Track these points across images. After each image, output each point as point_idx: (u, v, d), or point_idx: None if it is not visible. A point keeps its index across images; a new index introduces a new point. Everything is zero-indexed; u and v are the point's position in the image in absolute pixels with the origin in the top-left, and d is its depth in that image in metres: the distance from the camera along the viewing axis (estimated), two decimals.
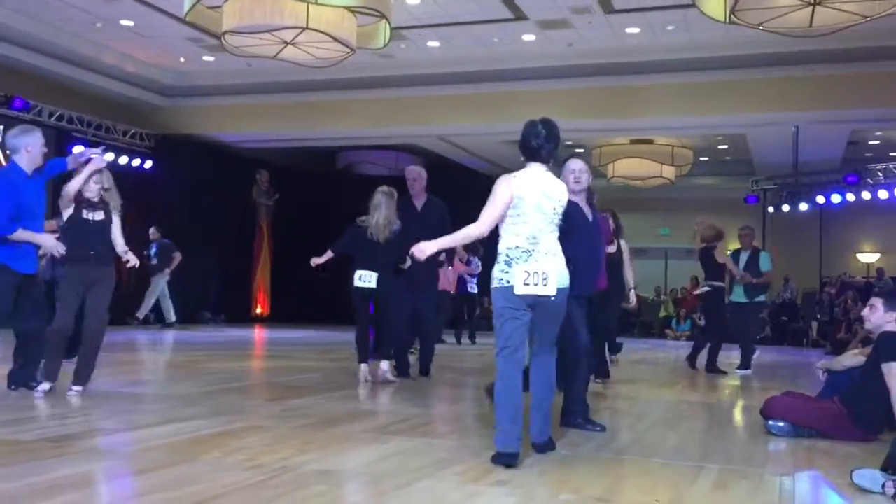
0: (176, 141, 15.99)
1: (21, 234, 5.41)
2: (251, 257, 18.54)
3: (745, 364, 9.51)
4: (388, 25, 9.67)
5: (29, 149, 5.52)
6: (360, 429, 4.75)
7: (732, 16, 8.40)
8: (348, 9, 8.97)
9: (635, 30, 12.34)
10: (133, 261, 5.82)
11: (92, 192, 5.74)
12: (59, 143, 14.09)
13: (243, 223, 18.02)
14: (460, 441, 4.50)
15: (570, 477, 3.79)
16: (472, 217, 4.15)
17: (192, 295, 16.83)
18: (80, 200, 5.73)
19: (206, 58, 14.34)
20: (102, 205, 5.81)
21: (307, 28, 8.80)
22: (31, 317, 5.66)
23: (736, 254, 9.70)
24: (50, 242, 5.57)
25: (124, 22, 12.57)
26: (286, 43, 9.66)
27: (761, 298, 9.79)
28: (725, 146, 18.15)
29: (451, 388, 7.13)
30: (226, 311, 17.37)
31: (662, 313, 18.98)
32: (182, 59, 14.59)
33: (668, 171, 17.55)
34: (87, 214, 5.74)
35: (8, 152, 5.66)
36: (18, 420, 4.74)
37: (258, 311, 18.66)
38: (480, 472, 3.72)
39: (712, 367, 9.29)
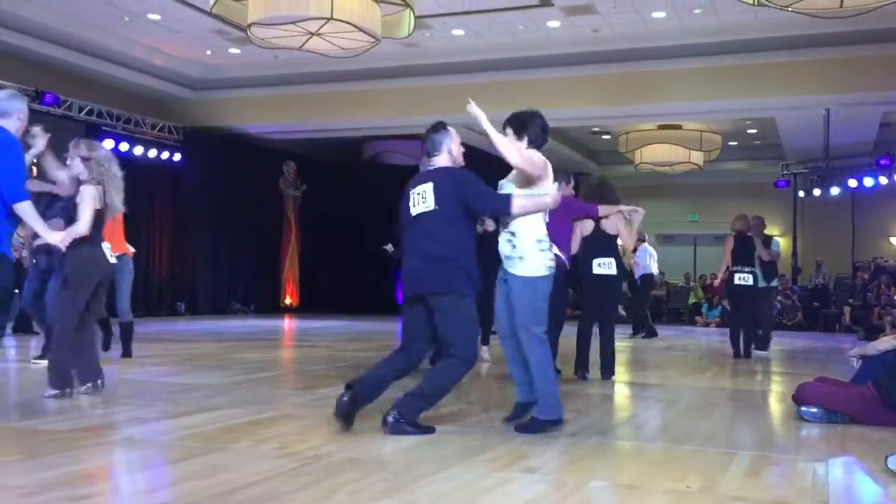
0: (203, 133, 16.11)
1: (27, 210, 4.65)
2: (279, 248, 18.67)
3: (764, 345, 9.81)
4: (412, 14, 9.66)
5: (21, 115, 4.86)
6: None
7: None
8: None
9: (661, 14, 12.21)
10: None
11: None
12: (88, 137, 14.24)
13: (271, 214, 18.13)
14: (491, 428, 4.51)
15: (600, 464, 3.79)
16: None
17: (222, 286, 17.00)
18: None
19: (232, 50, 14.41)
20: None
21: (332, 18, 8.81)
22: None
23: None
24: (57, 236, 4.93)
25: (151, 16, 12.67)
26: (311, 34, 9.68)
27: (774, 284, 10.15)
28: (755, 130, 17.93)
29: (482, 377, 7.13)
30: (255, 301, 17.52)
31: (692, 300, 18.83)
32: (209, 52, 14.68)
33: (697, 157, 17.38)
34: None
35: None
36: (55, 410, 4.82)
37: (287, 301, 18.79)
38: (510, 460, 3.73)
39: (736, 350, 9.52)
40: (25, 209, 4.61)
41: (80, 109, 13.95)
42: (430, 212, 4.31)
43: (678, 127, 16.89)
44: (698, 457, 3.97)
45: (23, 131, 4.96)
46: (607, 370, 6.85)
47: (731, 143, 18.68)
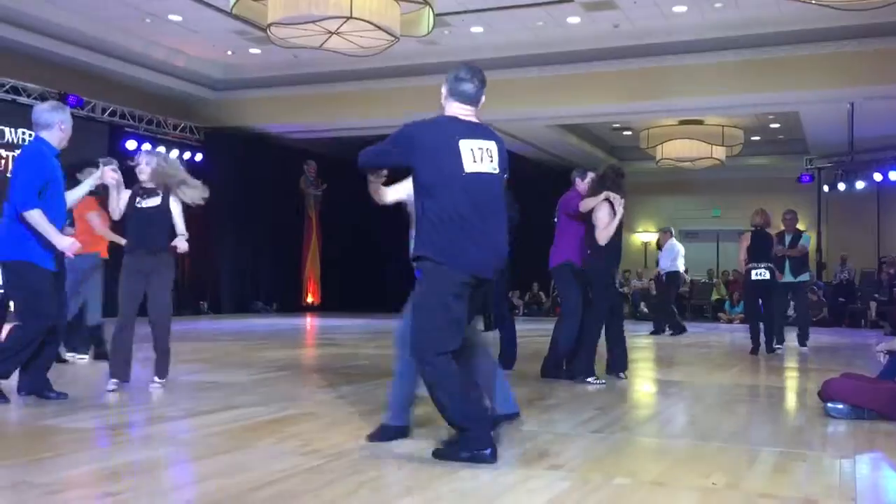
0: (225, 133, 16.21)
1: (36, 217, 4.73)
2: (300, 247, 18.74)
3: (801, 340, 9.88)
4: (431, 12, 9.66)
5: (63, 126, 4.97)
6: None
7: None
8: None
9: (682, 8, 12.12)
10: (181, 247, 5.67)
11: (144, 175, 5.64)
12: (111, 138, 14.40)
13: (292, 213, 18.21)
14: (513, 426, 4.49)
15: (625, 461, 3.77)
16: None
17: (244, 285, 17.10)
18: (136, 188, 5.72)
19: (252, 50, 14.48)
20: (159, 190, 5.66)
21: (351, 17, 8.82)
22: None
23: (780, 236, 10.02)
24: (65, 242, 4.89)
25: (173, 17, 12.75)
26: (331, 33, 9.70)
27: (805, 277, 10.13)
28: (777, 125, 17.76)
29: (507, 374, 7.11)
30: (277, 300, 17.60)
31: (715, 296, 18.69)
32: (229, 53, 14.76)
33: (719, 152, 17.23)
34: (141, 202, 5.64)
35: (35, 128, 5.00)
36: (81, 409, 4.86)
37: (309, 299, 18.86)
38: (533, 457, 3.71)
39: (756, 345, 9.50)
40: (34, 217, 4.75)
41: (104, 111, 14.09)
42: (495, 175, 3.65)
43: (700, 122, 16.77)
44: (723, 453, 3.93)
45: (66, 141, 5.06)
46: (620, 366, 6.75)
47: (753, 138, 18.51)
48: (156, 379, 5.73)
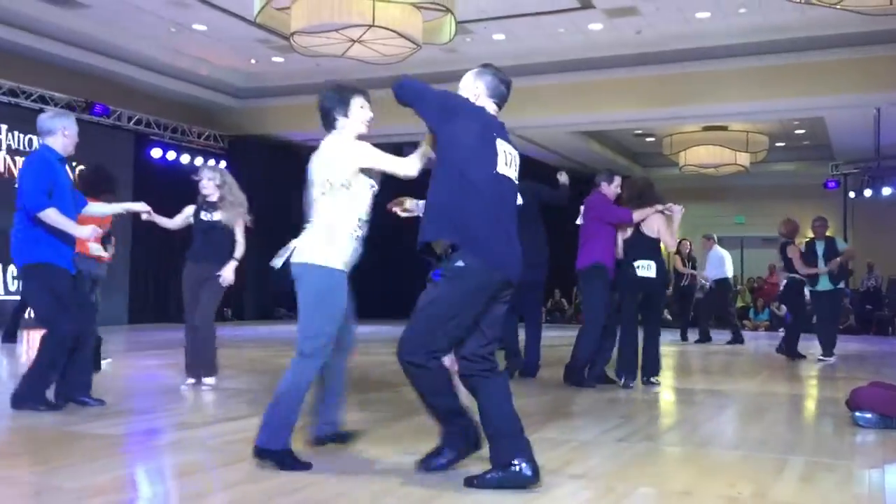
0: (248, 141, 16.33)
1: (52, 215, 4.75)
2: None
3: (828, 352, 9.48)
4: (453, 20, 9.68)
5: (66, 132, 4.97)
6: None
7: None
8: (414, 4, 9.01)
9: (706, 14, 12.06)
10: (226, 279, 6.11)
11: (207, 190, 6.11)
12: (137, 145, 14.56)
13: None
14: (537, 434, 4.47)
15: (649, 470, 3.75)
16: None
17: (267, 291, 17.18)
18: (200, 201, 6.14)
19: (275, 59, 14.58)
20: (220, 205, 6.13)
21: (374, 25, 8.86)
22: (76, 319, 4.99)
23: (811, 244, 9.74)
24: (85, 232, 4.91)
25: (197, 26, 12.88)
26: (353, 41, 9.75)
27: (841, 285, 9.80)
28: (803, 131, 17.60)
29: (529, 381, 7.09)
30: None
31: (739, 303, 18.53)
32: (253, 61, 14.87)
33: (743, 158, 17.11)
34: (204, 215, 6.12)
35: (40, 136, 5.02)
36: (107, 414, 4.90)
37: None
38: (557, 465, 3.70)
39: (793, 352, 9.55)
40: (50, 215, 4.75)
41: (129, 119, 14.25)
42: (514, 184, 3.52)
43: (724, 128, 16.65)
44: (749, 462, 3.90)
45: (72, 149, 5.06)
46: (650, 371, 6.76)
47: (778, 144, 18.36)
48: (205, 380, 6.11)
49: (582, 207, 6.88)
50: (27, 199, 4.77)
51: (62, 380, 5.06)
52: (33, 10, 11.74)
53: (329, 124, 3.85)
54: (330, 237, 3.67)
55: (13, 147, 12.67)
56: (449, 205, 3.34)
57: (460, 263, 3.28)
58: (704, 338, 12.38)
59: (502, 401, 3.32)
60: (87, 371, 5.21)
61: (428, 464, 3.50)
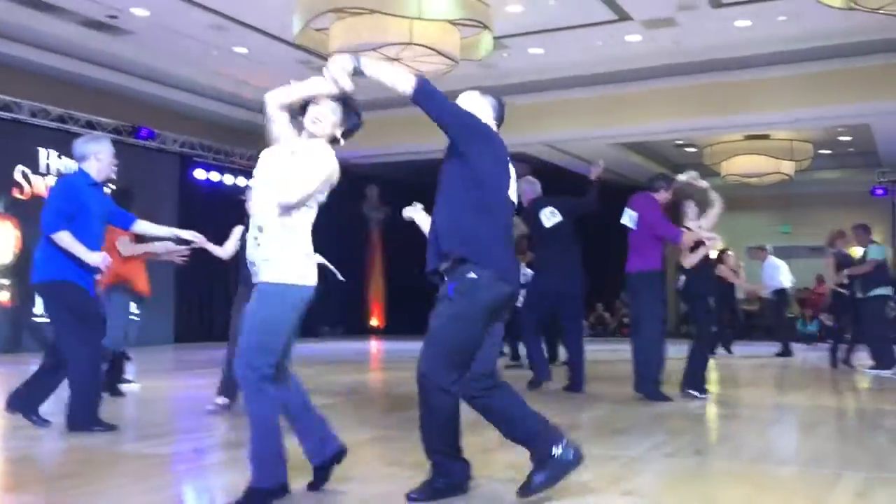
0: None
1: (65, 238, 4.80)
2: (364, 270, 18.90)
3: (880, 364, 9.14)
4: (489, 35, 9.70)
5: (99, 156, 5.03)
6: (480, 439, 4.74)
7: (851, 1, 8.03)
8: (451, 21, 9.05)
9: (745, 23, 11.93)
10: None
11: None
12: (182, 168, 14.81)
13: (356, 236, 18.40)
14: (584, 450, 4.43)
15: (699, 487, 3.68)
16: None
17: (310, 309, 17.27)
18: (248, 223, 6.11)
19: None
20: None
21: (411, 43, 8.92)
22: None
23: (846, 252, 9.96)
24: (95, 257, 4.90)
25: (238, 49, 13.08)
26: (391, 59, 9.82)
27: (879, 292, 9.37)
28: (848, 138, 17.29)
29: (570, 397, 7.03)
30: (342, 323, 17.75)
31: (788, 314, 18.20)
32: (293, 82, 15.04)
33: (787, 167, 16.85)
34: None
35: (76, 161, 5.12)
36: (153, 434, 4.96)
37: (374, 323, 18.97)
38: (607, 482, 3.65)
39: (847, 362, 9.62)
40: (62, 238, 4.80)
41: (174, 142, 14.51)
42: (514, 206, 3.69)
43: (766, 137, 16.42)
44: (803, 478, 3.82)
45: (108, 172, 5.11)
46: (689, 384, 6.63)
47: (822, 152, 18.05)
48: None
49: (627, 208, 6.70)
50: (43, 220, 4.89)
51: (24, 387, 5.12)
52: (80, 37, 12.04)
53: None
54: None
55: (62, 172, 12.98)
56: (461, 221, 3.38)
57: (472, 275, 3.28)
58: (786, 351, 12.04)
59: (520, 404, 3.38)
60: (48, 391, 5.15)
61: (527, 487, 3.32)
